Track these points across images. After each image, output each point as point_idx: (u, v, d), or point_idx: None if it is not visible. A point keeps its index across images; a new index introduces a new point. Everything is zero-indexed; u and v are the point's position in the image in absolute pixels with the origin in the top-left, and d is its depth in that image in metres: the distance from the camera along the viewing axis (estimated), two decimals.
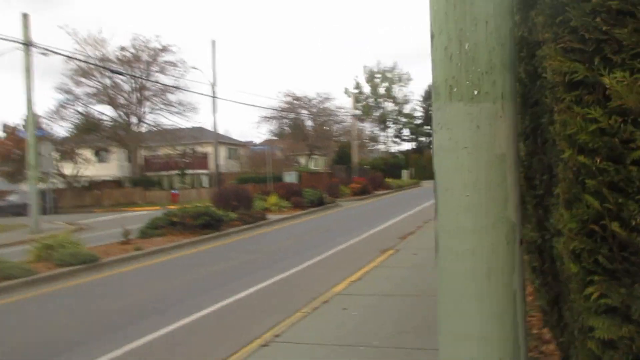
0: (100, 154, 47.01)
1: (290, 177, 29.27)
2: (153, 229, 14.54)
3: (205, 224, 14.96)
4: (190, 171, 45.72)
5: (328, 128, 48.62)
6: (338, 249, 11.89)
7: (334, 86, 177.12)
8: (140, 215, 19.41)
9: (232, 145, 51.82)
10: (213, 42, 33.14)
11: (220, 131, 63.63)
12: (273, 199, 20.92)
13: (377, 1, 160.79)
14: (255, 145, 40.11)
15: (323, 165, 73.65)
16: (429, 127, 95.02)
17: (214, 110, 33.08)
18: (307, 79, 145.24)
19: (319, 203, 22.88)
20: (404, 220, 16.93)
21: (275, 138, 55.07)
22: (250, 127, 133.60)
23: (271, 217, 19.15)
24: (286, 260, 10.50)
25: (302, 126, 47.53)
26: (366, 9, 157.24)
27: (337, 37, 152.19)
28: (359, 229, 15.02)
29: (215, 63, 33.36)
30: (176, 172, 44.25)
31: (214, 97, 33.02)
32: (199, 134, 42.79)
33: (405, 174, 52.17)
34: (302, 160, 55.18)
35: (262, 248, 12.89)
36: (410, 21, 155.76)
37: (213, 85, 32.89)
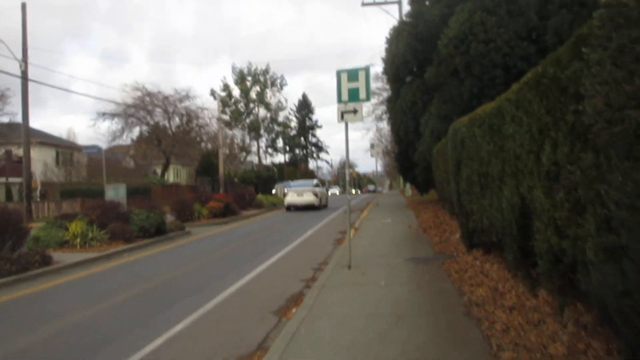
0: None
1: (114, 193, 20.14)
2: None
3: None
4: (1, 180, 35.08)
5: (189, 130, 40.90)
6: (163, 340, 5.43)
7: (198, 88, 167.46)
8: None
9: (64, 148, 41.51)
10: (23, 5, 24.26)
11: (59, 133, 52.21)
12: (77, 227, 13.32)
13: (251, 3, 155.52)
14: (91, 148, 31.29)
15: (186, 177, 65.18)
16: (304, 139, 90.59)
17: (24, 95, 24.10)
18: (167, 79, 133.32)
19: (157, 232, 15.73)
20: (280, 265, 10.84)
21: (128, 143, 45.81)
22: (97, 131, 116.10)
23: (66, 258, 11.77)
24: None
25: (157, 128, 39.36)
26: (238, 10, 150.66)
27: (204, 34, 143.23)
28: (207, 286, 8.63)
29: (27, 33, 24.43)
30: None
31: (23, 78, 24.11)
32: (9, 131, 32.56)
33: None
34: (160, 170, 46.70)
35: None
36: (287, 26, 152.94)
37: (23, 61, 24.04)
